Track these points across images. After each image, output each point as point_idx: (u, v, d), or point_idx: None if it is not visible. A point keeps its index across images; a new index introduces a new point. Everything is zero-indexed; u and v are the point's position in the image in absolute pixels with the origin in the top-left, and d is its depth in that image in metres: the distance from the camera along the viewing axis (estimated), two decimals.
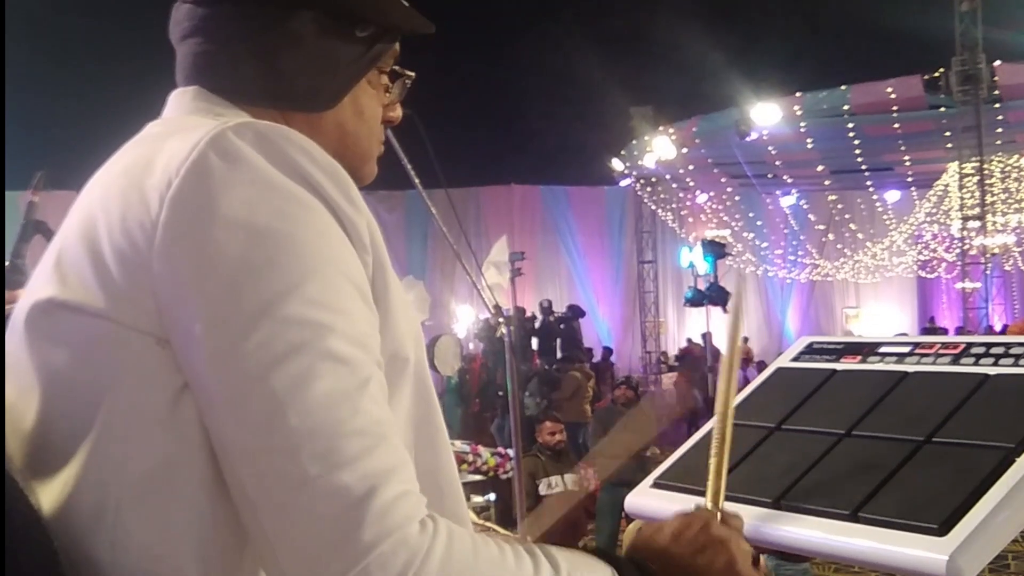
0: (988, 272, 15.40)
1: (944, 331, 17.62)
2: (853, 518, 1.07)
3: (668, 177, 18.75)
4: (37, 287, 0.90)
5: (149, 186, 0.84)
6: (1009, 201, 17.43)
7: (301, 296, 0.80)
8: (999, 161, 16.69)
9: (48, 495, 0.84)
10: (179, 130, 0.90)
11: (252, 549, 0.83)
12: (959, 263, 16.26)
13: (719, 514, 1.05)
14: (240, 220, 0.81)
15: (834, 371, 1.36)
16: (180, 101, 1.01)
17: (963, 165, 15.04)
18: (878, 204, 20.80)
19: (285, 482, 0.77)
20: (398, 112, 1.12)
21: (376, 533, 0.76)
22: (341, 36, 1.01)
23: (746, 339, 17.98)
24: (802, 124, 15.38)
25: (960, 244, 16.03)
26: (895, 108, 14.61)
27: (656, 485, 1.31)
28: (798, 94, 14.87)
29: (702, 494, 1.24)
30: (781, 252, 21.01)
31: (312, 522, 0.77)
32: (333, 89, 1.03)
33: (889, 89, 14.20)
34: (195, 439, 0.82)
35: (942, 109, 14.63)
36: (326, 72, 1.01)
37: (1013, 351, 1.21)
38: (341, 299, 0.83)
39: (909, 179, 19.67)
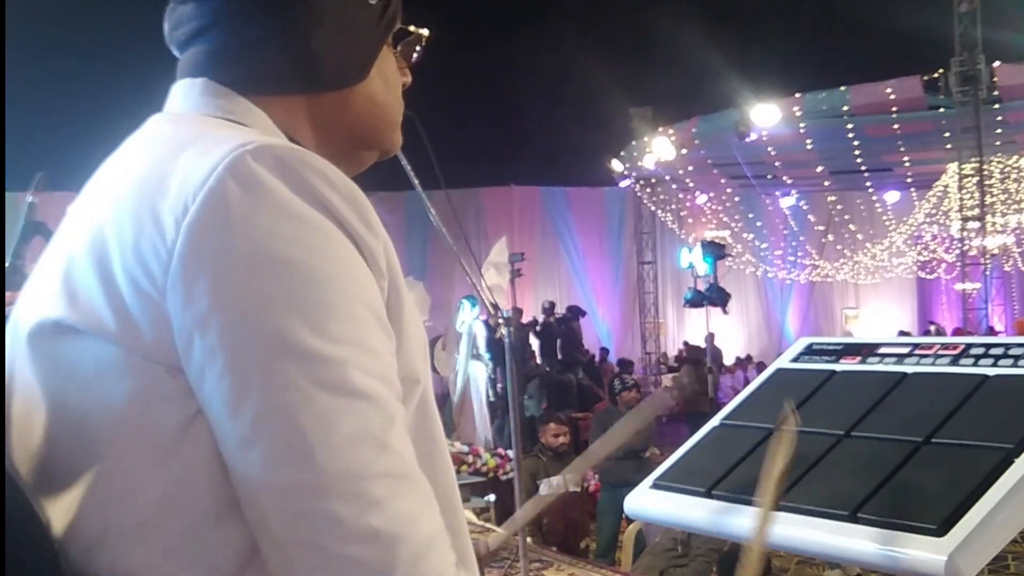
0: (988, 273, 15.40)
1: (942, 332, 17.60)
2: (852, 518, 1.07)
3: (668, 178, 18.76)
4: (42, 301, 0.88)
5: (164, 209, 0.81)
6: (1008, 202, 17.43)
7: (324, 332, 0.79)
8: (998, 162, 16.69)
9: (52, 515, 0.83)
10: (191, 140, 0.87)
11: None
12: (959, 264, 16.27)
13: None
14: (259, 252, 0.79)
15: (833, 372, 1.36)
16: (188, 94, 0.97)
17: (962, 166, 15.04)
18: (878, 205, 20.80)
19: (315, 523, 0.77)
20: (408, 75, 1.10)
21: None
22: (357, 5, 1.00)
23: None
24: (801, 125, 15.38)
25: (960, 245, 16.03)
26: (894, 109, 14.62)
27: (655, 486, 1.32)
28: (797, 95, 14.86)
29: (700, 495, 1.24)
30: (781, 253, 21.00)
31: (345, 565, 0.77)
32: (360, 61, 1.01)
33: (888, 90, 14.20)
34: (203, 468, 0.81)
35: (941, 110, 14.64)
36: (352, 44, 0.99)
37: (1012, 352, 1.21)
38: (363, 333, 0.81)
39: (908, 180, 19.67)
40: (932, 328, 18.17)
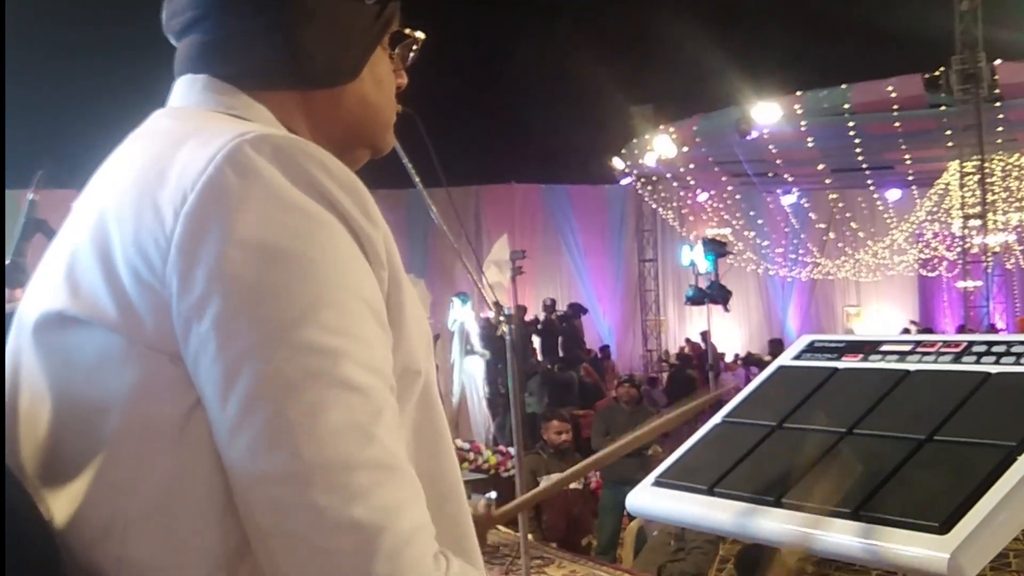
0: (989, 271, 15.40)
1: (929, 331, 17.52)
2: (855, 516, 1.07)
3: (669, 176, 18.74)
4: (46, 294, 0.88)
5: (163, 199, 0.82)
6: (1010, 199, 17.41)
7: (316, 322, 0.79)
8: (1000, 160, 16.67)
9: (58, 505, 0.84)
10: (192, 133, 0.88)
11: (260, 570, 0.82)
12: (960, 262, 16.26)
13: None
14: (255, 241, 0.79)
15: (835, 369, 1.36)
16: (190, 89, 0.98)
17: (964, 164, 15.03)
18: (879, 203, 20.77)
19: (297, 513, 0.76)
20: (404, 77, 1.11)
21: (389, 569, 0.76)
22: (351, 5, 1.00)
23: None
24: (803, 123, 15.36)
25: (961, 243, 16.03)
26: (896, 107, 14.60)
27: (657, 484, 1.31)
28: (799, 93, 14.85)
29: (702, 492, 1.24)
30: (782, 251, 20.98)
31: (325, 556, 0.76)
32: (352, 61, 1.01)
33: (890, 88, 14.19)
34: (205, 457, 0.81)
35: (943, 108, 14.62)
36: (343, 44, 1.00)
37: (1015, 349, 1.21)
38: (356, 324, 0.81)
39: (910, 178, 19.65)
40: (913, 328, 18.00)
